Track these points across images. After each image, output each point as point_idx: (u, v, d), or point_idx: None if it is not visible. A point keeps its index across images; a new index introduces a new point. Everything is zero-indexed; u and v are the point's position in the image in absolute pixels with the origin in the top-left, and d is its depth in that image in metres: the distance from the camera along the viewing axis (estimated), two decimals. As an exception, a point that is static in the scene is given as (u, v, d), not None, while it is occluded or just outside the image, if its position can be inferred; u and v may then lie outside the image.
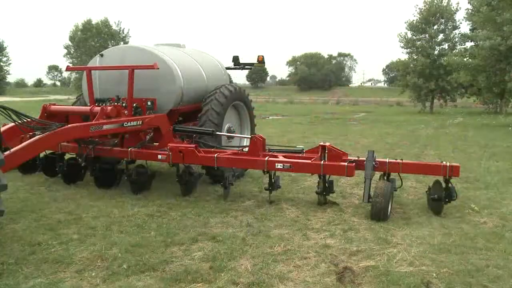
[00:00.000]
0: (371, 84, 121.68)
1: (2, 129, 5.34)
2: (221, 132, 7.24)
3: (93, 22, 55.01)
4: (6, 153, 4.54)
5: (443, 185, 5.63)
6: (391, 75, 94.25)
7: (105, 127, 6.00)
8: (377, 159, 5.87)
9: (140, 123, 6.48)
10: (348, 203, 6.19)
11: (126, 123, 6.28)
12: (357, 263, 4.09)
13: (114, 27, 56.26)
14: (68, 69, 8.04)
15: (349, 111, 32.62)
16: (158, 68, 6.59)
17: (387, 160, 5.90)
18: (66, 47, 56.68)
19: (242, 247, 4.46)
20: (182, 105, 7.29)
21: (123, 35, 56.98)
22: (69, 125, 5.67)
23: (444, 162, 5.64)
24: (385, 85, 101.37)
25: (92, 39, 54.56)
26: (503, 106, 27.89)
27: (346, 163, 5.67)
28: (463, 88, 30.79)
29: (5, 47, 65.36)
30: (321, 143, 6.23)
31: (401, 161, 5.84)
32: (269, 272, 3.87)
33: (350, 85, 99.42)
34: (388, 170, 5.88)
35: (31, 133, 5.67)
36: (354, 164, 5.71)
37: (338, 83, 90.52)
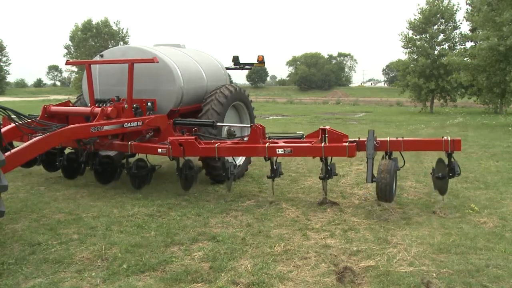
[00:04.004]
0: (371, 84, 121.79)
1: (2, 129, 5.34)
2: (221, 133, 7.24)
3: (93, 22, 55.01)
4: (7, 153, 4.54)
5: (446, 161, 5.63)
6: (391, 75, 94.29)
7: (105, 127, 6.01)
8: (377, 139, 5.83)
9: (141, 123, 6.49)
10: (348, 203, 6.19)
11: (126, 123, 6.29)
12: (357, 263, 4.09)
13: (113, 27, 56.27)
14: (67, 63, 8.11)
15: (349, 111, 32.62)
16: (158, 62, 6.62)
17: (388, 139, 5.86)
18: (66, 47, 56.67)
19: (242, 247, 4.46)
20: (182, 106, 7.29)
21: (123, 35, 56.98)
22: (69, 126, 5.67)
23: (445, 137, 5.63)
24: (385, 85, 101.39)
25: (92, 39, 54.54)
26: (503, 106, 27.85)
27: (347, 144, 5.65)
28: (463, 88, 30.75)
29: (5, 47, 65.50)
30: (321, 127, 6.21)
31: (402, 139, 5.80)
32: (269, 272, 3.88)
33: (350, 85, 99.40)
34: (389, 148, 5.81)
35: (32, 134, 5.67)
36: (355, 144, 5.68)
37: (338, 83, 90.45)
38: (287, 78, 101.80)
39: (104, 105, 6.55)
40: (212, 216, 5.51)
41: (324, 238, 4.76)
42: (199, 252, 4.32)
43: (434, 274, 3.82)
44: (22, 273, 3.84)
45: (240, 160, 7.72)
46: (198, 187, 6.98)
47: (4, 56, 65.73)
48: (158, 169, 6.98)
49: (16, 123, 5.24)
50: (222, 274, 3.84)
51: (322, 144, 5.75)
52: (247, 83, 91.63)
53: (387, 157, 5.88)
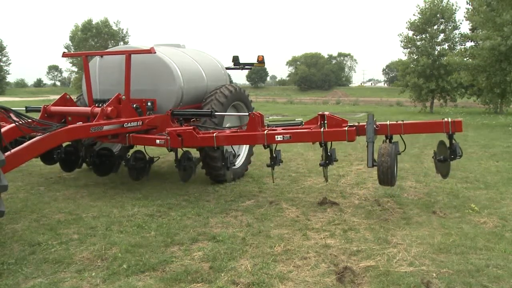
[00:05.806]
0: (371, 84, 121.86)
1: (2, 129, 5.33)
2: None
3: (93, 22, 55.06)
4: (7, 153, 4.54)
5: (447, 144, 5.63)
6: (391, 75, 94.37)
7: (105, 127, 6.01)
8: (377, 123, 5.78)
9: (141, 123, 6.49)
10: (348, 203, 6.19)
11: (126, 123, 6.28)
12: (357, 263, 4.09)
13: (113, 27, 56.33)
14: (64, 55, 8.21)
15: (349, 111, 32.63)
16: (155, 53, 6.63)
17: (388, 122, 5.79)
18: (66, 47, 56.75)
19: (242, 247, 4.46)
20: (182, 106, 7.29)
21: (123, 35, 57.03)
22: (69, 126, 5.67)
23: (446, 119, 5.62)
24: (385, 85, 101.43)
25: (92, 39, 54.58)
26: (503, 106, 27.86)
27: (346, 128, 5.61)
28: (463, 88, 30.77)
29: (5, 47, 65.54)
30: (320, 113, 6.17)
31: (402, 122, 5.76)
32: (269, 272, 3.88)
33: (350, 85, 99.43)
34: (389, 132, 5.72)
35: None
36: (354, 128, 5.64)
37: (338, 83, 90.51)
38: (287, 78, 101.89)
39: (103, 105, 6.54)
40: (212, 216, 5.51)
41: (324, 238, 4.76)
42: (199, 252, 4.32)
43: (434, 274, 3.82)
44: (22, 273, 3.84)
45: (239, 161, 7.72)
46: (198, 187, 6.98)
47: (4, 56, 65.84)
48: (158, 169, 6.98)
49: (16, 123, 5.23)
50: (222, 274, 3.84)
51: (322, 129, 5.69)
52: (247, 83, 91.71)
53: (387, 140, 5.78)
